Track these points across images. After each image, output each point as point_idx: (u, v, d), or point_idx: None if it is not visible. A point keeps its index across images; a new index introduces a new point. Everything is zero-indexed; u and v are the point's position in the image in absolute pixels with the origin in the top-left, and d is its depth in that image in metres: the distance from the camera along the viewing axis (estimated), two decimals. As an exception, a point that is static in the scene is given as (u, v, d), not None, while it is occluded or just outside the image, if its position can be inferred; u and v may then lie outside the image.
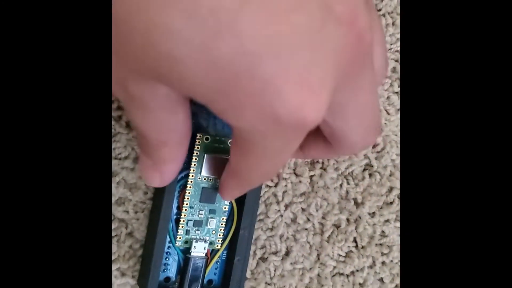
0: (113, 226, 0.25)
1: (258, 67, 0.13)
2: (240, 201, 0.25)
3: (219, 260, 0.26)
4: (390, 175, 0.30)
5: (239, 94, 0.14)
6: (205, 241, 0.25)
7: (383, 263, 0.30)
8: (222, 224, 0.25)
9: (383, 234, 0.30)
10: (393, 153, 0.29)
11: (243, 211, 0.25)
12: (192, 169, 0.24)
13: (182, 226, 0.24)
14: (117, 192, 0.25)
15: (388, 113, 0.29)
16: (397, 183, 0.30)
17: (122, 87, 0.16)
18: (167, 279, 0.25)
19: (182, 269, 0.25)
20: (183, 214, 0.24)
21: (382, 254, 0.30)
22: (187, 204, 0.24)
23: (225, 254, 0.26)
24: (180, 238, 0.24)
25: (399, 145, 0.30)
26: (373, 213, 0.29)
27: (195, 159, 0.24)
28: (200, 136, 0.24)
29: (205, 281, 0.25)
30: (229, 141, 0.24)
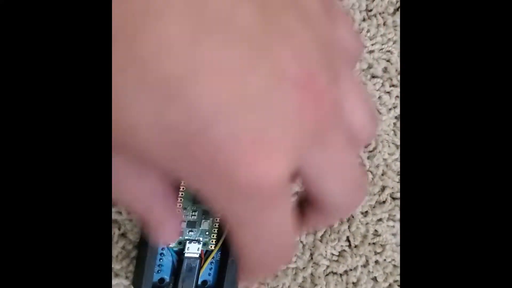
0: (106, 227, 0.25)
1: (210, 132, 0.13)
2: None
3: (213, 261, 0.26)
4: (382, 174, 0.30)
5: (193, 162, 0.14)
6: (199, 242, 0.25)
7: (377, 262, 0.30)
8: (215, 225, 0.25)
9: (376, 233, 0.30)
10: (385, 153, 0.30)
11: None
12: None
13: None
14: (109, 193, 0.25)
15: (380, 113, 0.29)
16: (389, 182, 0.30)
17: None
18: (161, 280, 0.25)
19: (176, 270, 0.25)
20: None
21: (376, 253, 0.30)
22: (180, 205, 0.24)
23: (219, 255, 0.26)
24: None
25: (391, 145, 0.30)
26: (366, 212, 0.30)
27: None
28: None
29: (199, 282, 0.25)
30: None
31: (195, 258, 0.25)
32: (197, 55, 0.13)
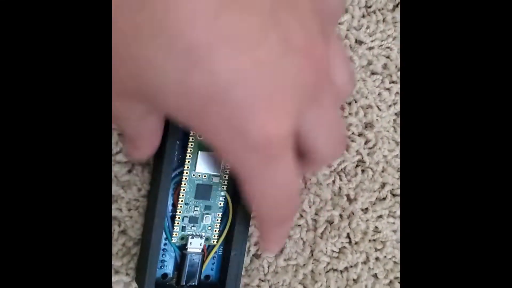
0: (106, 224, 0.25)
1: (229, 94, 0.16)
2: (236, 196, 0.25)
3: (216, 256, 0.26)
4: (382, 171, 0.30)
5: (213, 118, 0.16)
6: (201, 237, 0.25)
7: (377, 258, 0.30)
8: (217, 220, 0.25)
9: (376, 230, 0.30)
10: (385, 149, 0.30)
11: (238, 207, 0.25)
12: (186, 166, 0.24)
13: (178, 223, 0.24)
14: (109, 189, 0.25)
15: (380, 109, 0.29)
16: (389, 179, 0.30)
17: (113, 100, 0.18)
18: (165, 275, 0.25)
19: (179, 265, 0.25)
20: (178, 211, 0.24)
21: (376, 249, 0.30)
22: (182, 201, 0.24)
23: (222, 250, 0.26)
24: (176, 234, 0.24)
25: (391, 141, 0.30)
26: (366, 209, 0.30)
27: (189, 156, 0.24)
28: (193, 134, 0.24)
29: (202, 277, 0.25)
30: None
31: (198, 253, 0.25)
32: (218, 27, 0.15)
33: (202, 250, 0.25)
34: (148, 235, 0.24)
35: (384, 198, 0.30)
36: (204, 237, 0.25)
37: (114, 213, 0.25)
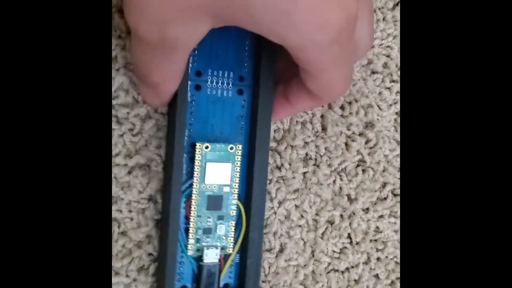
0: (106, 225, 0.25)
1: (299, 2, 0.18)
2: (247, 204, 0.25)
3: (233, 264, 0.26)
4: (383, 171, 0.30)
5: (299, 12, 0.18)
6: (217, 247, 0.25)
7: (378, 259, 0.30)
8: (231, 228, 0.25)
9: (378, 230, 0.30)
10: (386, 149, 0.29)
11: (250, 214, 0.25)
12: (195, 178, 0.24)
13: (192, 235, 0.24)
14: (109, 191, 0.25)
15: (380, 109, 0.29)
16: (390, 179, 0.30)
17: (159, 30, 0.19)
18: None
19: (197, 277, 0.25)
20: (191, 223, 0.24)
21: (377, 250, 0.30)
22: (194, 213, 0.24)
23: (239, 257, 0.26)
24: (191, 247, 0.24)
25: (391, 141, 0.30)
26: (367, 208, 0.29)
27: (197, 168, 0.24)
28: (200, 145, 0.24)
29: (221, 286, 0.25)
30: (229, 146, 0.24)
31: (215, 263, 0.25)
32: None
33: (219, 259, 0.25)
34: (164, 249, 0.24)
35: (385, 198, 0.30)
36: (219, 247, 0.25)
37: (114, 214, 0.25)
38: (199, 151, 0.24)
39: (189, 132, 0.24)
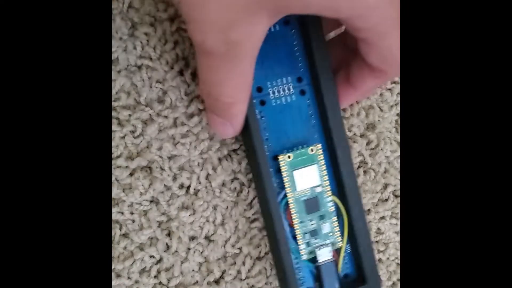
0: (107, 228, 0.25)
1: None
2: (342, 196, 0.25)
3: (346, 254, 0.26)
4: (384, 172, 0.30)
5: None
6: (327, 245, 0.25)
7: (380, 260, 0.30)
8: (335, 224, 0.25)
9: (379, 231, 0.30)
10: (387, 150, 0.29)
11: (348, 205, 0.25)
12: (287, 189, 0.25)
13: (301, 241, 0.25)
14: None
15: (382, 110, 0.29)
16: (391, 180, 0.29)
17: (224, 36, 0.19)
18: None
19: (317, 277, 0.26)
20: (297, 230, 0.25)
21: (378, 251, 0.30)
22: (297, 220, 0.25)
23: (349, 246, 0.26)
24: (304, 251, 0.25)
25: (393, 142, 0.30)
26: (369, 210, 0.29)
27: (286, 179, 0.24)
28: (282, 157, 0.24)
29: (341, 277, 0.26)
30: (309, 149, 0.25)
31: (330, 261, 0.25)
32: None
33: (333, 256, 0.25)
34: (279, 260, 0.24)
35: (386, 199, 0.30)
36: (329, 245, 0.25)
37: (116, 216, 0.25)
38: (283, 163, 0.24)
39: (267, 147, 0.25)
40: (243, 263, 0.27)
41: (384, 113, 0.29)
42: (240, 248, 0.27)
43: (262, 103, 0.25)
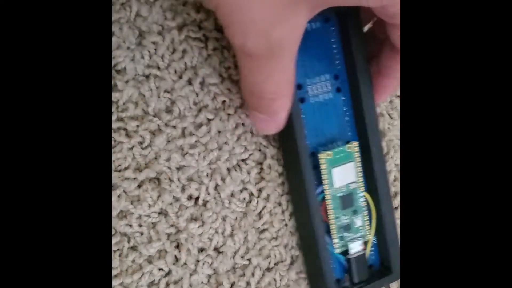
0: (115, 241, 0.24)
1: None
2: (373, 192, 0.26)
3: (373, 246, 0.28)
4: (394, 180, 0.29)
5: None
6: (358, 239, 0.27)
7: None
8: (365, 218, 0.27)
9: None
10: (397, 158, 0.29)
11: (379, 199, 0.26)
12: (325, 186, 0.25)
13: (335, 235, 0.26)
14: (118, 205, 0.24)
15: (391, 117, 0.29)
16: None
17: (265, 36, 0.19)
18: (337, 281, 0.27)
19: (347, 269, 0.27)
20: (332, 226, 0.26)
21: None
22: (332, 216, 0.26)
23: (375, 238, 0.27)
24: (337, 245, 0.26)
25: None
26: (378, 219, 0.29)
27: (325, 176, 0.25)
28: (322, 155, 0.25)
29: (368, 267, 0.27)
30: (347, 145, 0.25)
31: (360, 253, 0.27)
32: None
33: (362, 248, 0.27)
34: (316, 255, 0.25)
35: (396, 208, 0.29)
36: (360, 238, 0.27)
37: (124, 229, 0.24)
38: (323, 161, 0.25)
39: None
40: (253, 275, 0.27)
41: (394, 121, 0.29)
42: (249, 259, 0.27)
43: (302, 100, 0.25)
